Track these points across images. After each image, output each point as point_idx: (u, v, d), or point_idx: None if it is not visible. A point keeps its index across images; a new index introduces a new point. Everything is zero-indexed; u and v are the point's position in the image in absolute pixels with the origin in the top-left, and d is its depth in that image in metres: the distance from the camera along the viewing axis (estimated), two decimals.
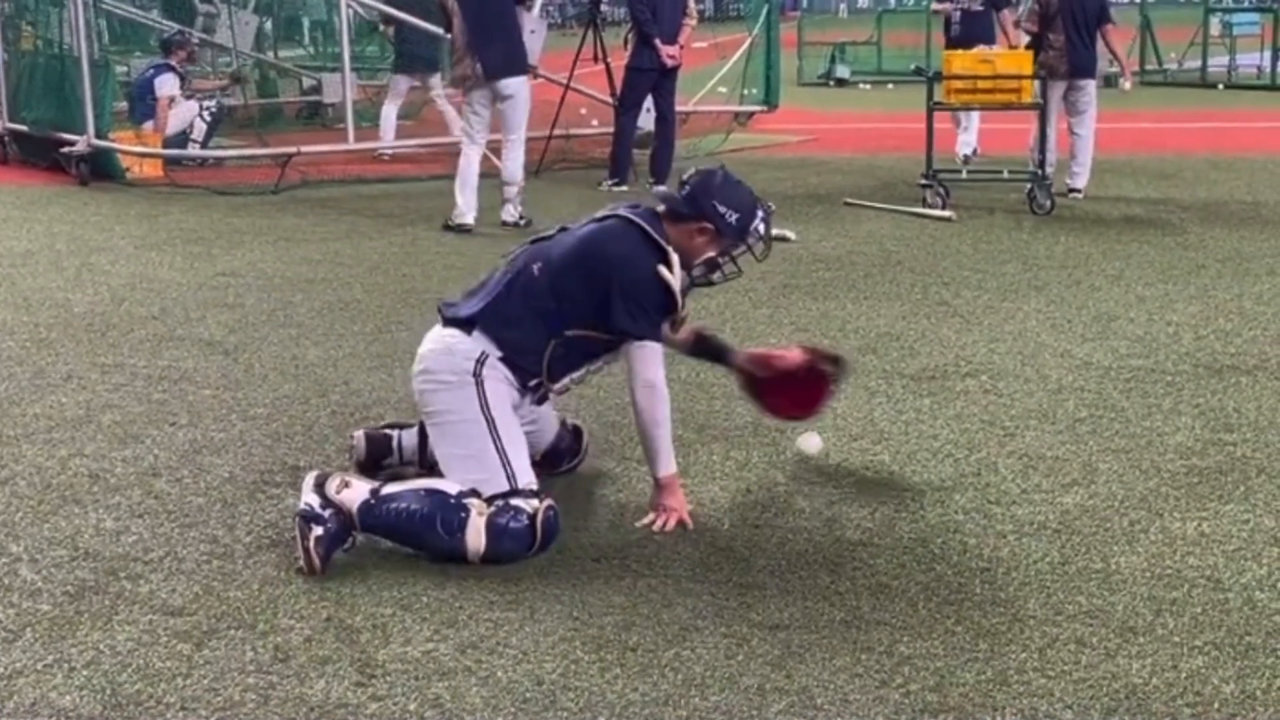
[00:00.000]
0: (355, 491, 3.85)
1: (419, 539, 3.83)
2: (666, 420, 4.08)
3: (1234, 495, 4.27)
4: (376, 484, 3.92)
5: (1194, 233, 8.63)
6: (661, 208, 4.16)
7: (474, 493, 3.85)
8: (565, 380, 4.19)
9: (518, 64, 8.90)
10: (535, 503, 3.84)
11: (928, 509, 4.19)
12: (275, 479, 4.48)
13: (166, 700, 3.12)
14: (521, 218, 8.99)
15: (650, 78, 10.51)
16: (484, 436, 3.92)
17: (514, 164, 9.00)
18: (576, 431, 4.57)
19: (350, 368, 5.77)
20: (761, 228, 4.13)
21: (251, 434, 4.94)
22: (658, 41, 10.35)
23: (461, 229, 8.88)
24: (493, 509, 3.80)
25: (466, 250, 8.34)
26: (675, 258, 4.05)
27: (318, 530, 3.74)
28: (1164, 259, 7.84)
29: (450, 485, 3.90)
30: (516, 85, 8.90)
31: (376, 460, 4.43)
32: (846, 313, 6.63)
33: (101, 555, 3.90)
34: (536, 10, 12.29)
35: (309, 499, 3.83)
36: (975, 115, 11.13)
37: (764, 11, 13.67)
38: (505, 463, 3.91)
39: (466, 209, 8.93)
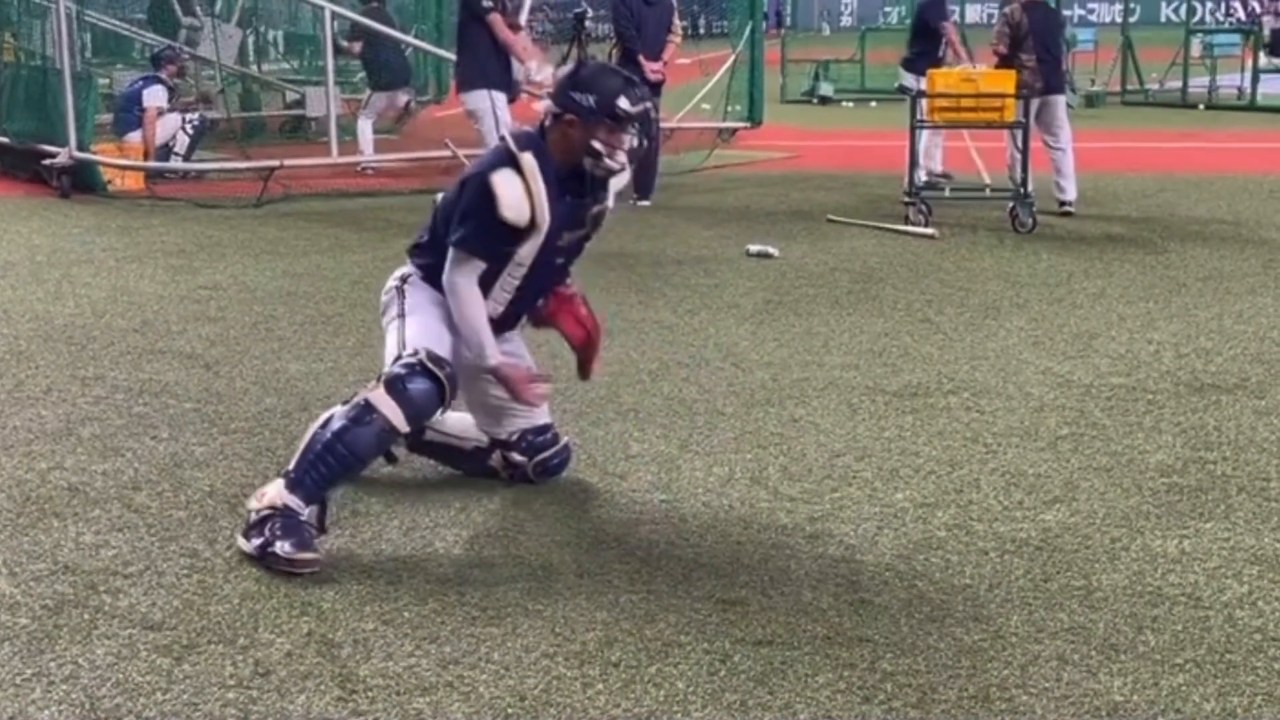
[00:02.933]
0: (272, 489, 3.94)
1: (352, 455, 3.96)
2: (474, 319, 4.18)
3: (1214, 513, 4.29)
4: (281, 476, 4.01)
5: (1175, 252, 8.68)
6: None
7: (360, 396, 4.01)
8: (493, 304, 4.27)
9: (470, 79, 8.95)
10: (418, 355, 4.03)
11: (910, 526, 4.19)
12: None
13: (146, 715, 3.10)
14: None
15: None
16: (396, 326, 4.22)
17: None
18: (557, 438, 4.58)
19: (332, 382, 5.75)
20: (624, 105, 4.12)
21: (233, 448, 4.92)
22: (641, 58, 10.37)
23: None
24: (387, 376, 4.00)
25: None
26: (528, 162, 4.09)
27: (285, 545, 3.81)
28: (1145, 278, 7.88)
29: (330, 410, 4.04)
30: (474, 100, 9.00)
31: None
32: (829, 329, 6.64)
33: (81, 569, 3.88)
34: (523, 18, 12.31)
35: (249, 544, 3.89)
36: (939, 138, 11.17)
37: (748, 29, 13.72)
38: (401, 339, 4.14)
39: None
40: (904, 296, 7.38)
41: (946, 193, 9.89)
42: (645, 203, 10.62)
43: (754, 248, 8.62)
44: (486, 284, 4.24)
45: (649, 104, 4.24)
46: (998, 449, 4.89)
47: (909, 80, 11.53)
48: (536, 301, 4.44)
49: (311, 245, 9.07)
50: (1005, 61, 9.91)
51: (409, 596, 3.69)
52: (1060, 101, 10.10)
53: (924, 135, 11.03)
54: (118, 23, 16.00)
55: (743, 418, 5.26)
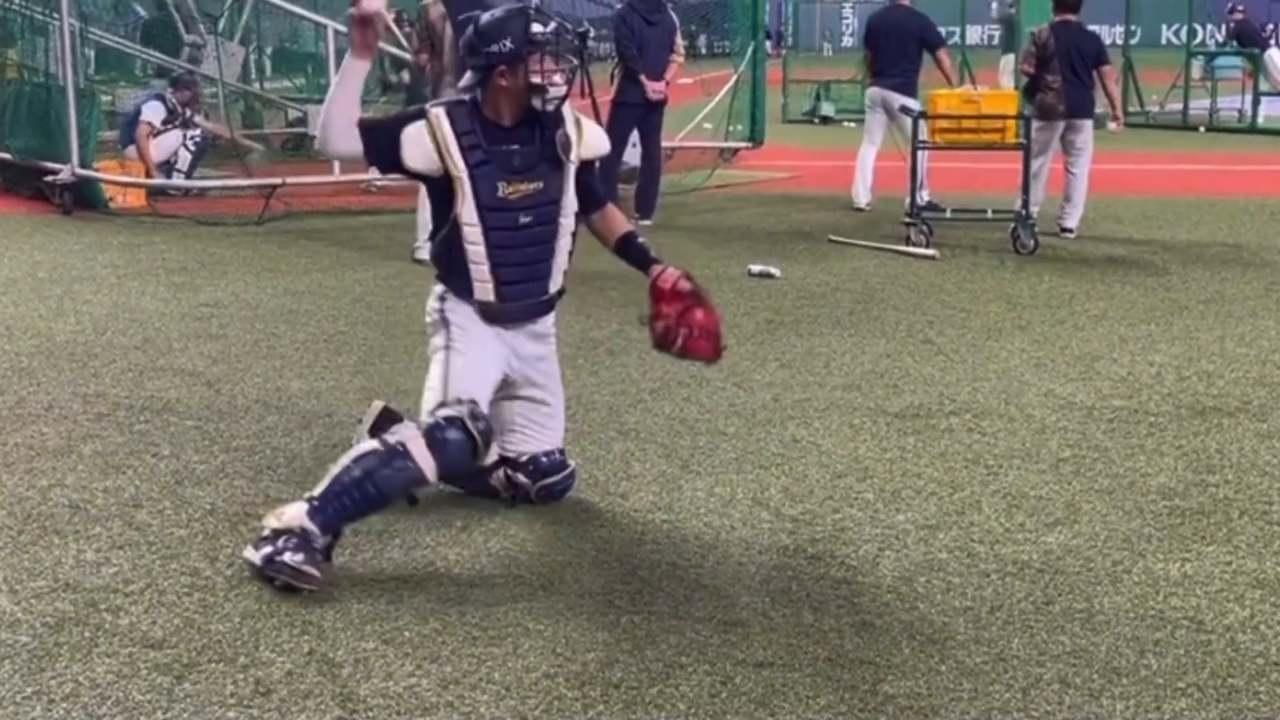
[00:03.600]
0: (292, 510, 3.91)
1: (379, 495, 3.94)
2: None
3: (1216, 537, 4.28)
4: (306, 500, 3.95)
5: (1176, 274, 8.69)
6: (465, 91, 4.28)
7: (394, 434, 4.00)
8: (479, 284, 4.28)
9: None
10: (460, 408, 4.03)
11: (911, 547, 4.19)
12: (258, 511, 4.44)
13: None
14: None
15: (635, 113, 10.55)
16: (442, 359, 4.21)
17: None
18: (563, 461, 4.56)
19: (334, 400, 5.75)
20: (538, 29, 4.17)
21: (234, 466, 4.92)
22: (643, 77, 10.39)
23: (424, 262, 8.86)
24: (426, 424, 4.00)
25: None
26: (436, 114, 4.17)
27: (294, 556, 3.80)
28: (1146, 300, 7.89)
29: (366, 444, 4.02)
30: None
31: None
32: (831, 349, 6.64)
33: (82, 587, 3.87)
34: None
35: (257, 554, 3.87)
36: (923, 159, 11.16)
37: (750, 49, 13.75)
38: (445, 378, 4.15)
39: (425, 245, 8.90)
40: (905, 317, 7.39)
41: (948, 214, 9.90)
42: (647, 222, 10.63)
43: (755, 268, 8.63)
44: (456, 259, 4.26)
45: (557, 19, 4.27)
46: (999, 471, 4.89)
47: (910, 102, 11.52)
48: (537, 271, 4.39)
49: (313, 263, 9.08)
50: (1033, 82, 9.88)
51: (410, 616, 3.69)
52: (1086, 126, 9.94)
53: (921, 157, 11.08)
54: (121, 40, 16.02)
55: (744, 438, 5.26)
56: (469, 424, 4.01)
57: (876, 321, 7.29)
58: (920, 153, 11.20)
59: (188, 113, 12.18)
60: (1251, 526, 4.37)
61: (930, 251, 9.24)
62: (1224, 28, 25.14)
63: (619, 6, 11.28)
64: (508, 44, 4.14)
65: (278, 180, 11.19)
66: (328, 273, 8.74)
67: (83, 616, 3.68)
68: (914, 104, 11.15)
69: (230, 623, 3.65)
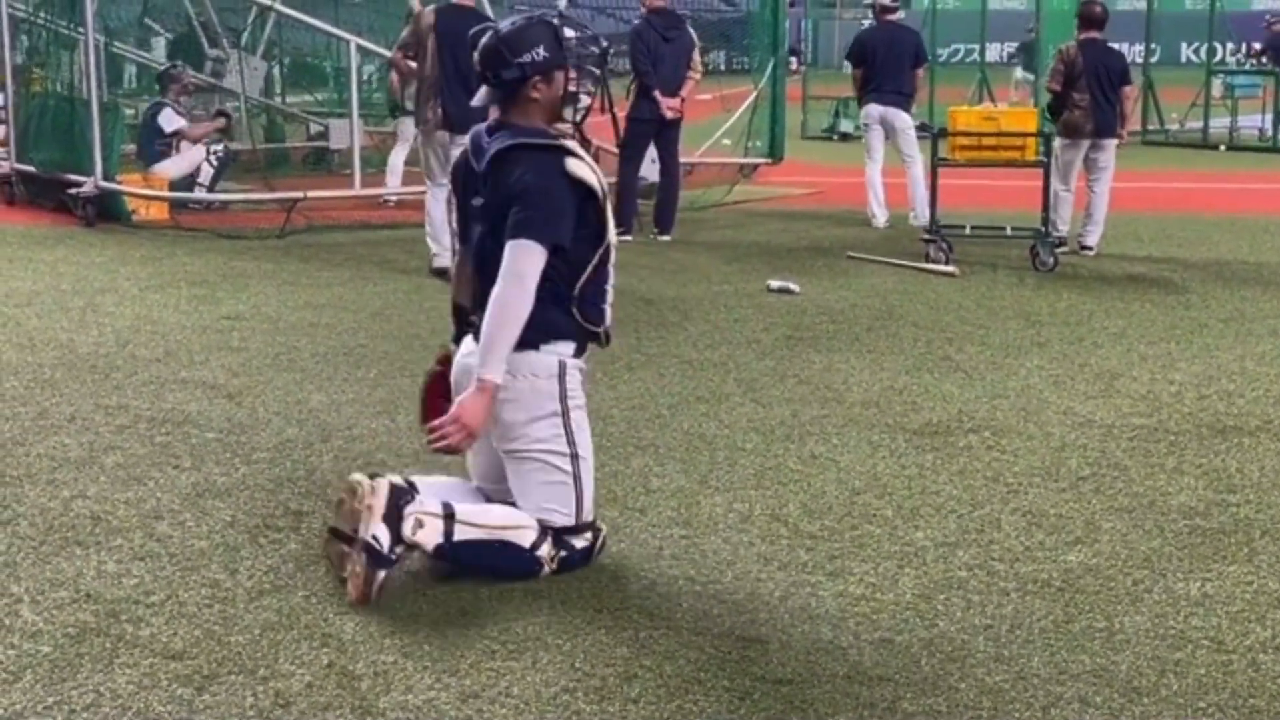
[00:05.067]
0: (429, 533, 3.85)
1: (493, 572, 3.97)
2: (520, 322, 3.85)
3: (1237, 556, 4.27)
4: (447, 518, 3.87)
5: (1196, 292, 8.66)
6: (496, 114, 4.05)
7: (544, 534, 3.97)
8: (604, 307, 4.09)
9: (467, 124, 8.83)
10: (591, 537, 4.07)
11: (931, 565, 4.18)
12: (277, 524, 4.48)
13: None
14: None
15: (650, 128, 10.57)
16: (563, 463, 4.02)
17: None
18: None
19: (354, 413, 5.77)
20: (571, 34, 4.05)
21: (254, 478, 4.94)
22: (657, 93, 10.41)
23: (442, 273, 8.89)
24: (561, 555, 3.99)
25: None
26: (572, 145, 3.97)
27: (382, 574, 3.79)
28: (1166, 318, 7.87)
29: (523, 531, 3.95)
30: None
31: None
32: (850, 366, 6.64)
33: (103, 598, 3.89)
34: None
35: (378, 532, 3.78)
36: (919, 179, 11.16)
37: (770, 65, 13.78)
38: (577, 495, 4.04)
39: (443, 251, 8.93)
40: (924, 334, 7.38)
41: (967, 231, 9.89)
42: (666, 237, 10.65)
43: (775, 283, 8.63)
44: (591, 293, 4.02)
45: (578, 25, 4.17)
46: (1019, 489, 4.88)
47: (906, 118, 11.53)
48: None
49: (334, 277, 9.12)
50: (1059, 100, 9.86)
51: (429, 629, 3.70)
52: (1111, 145, 9.91)
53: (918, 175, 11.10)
54: (143, 55, 16.14)
55: (763, 454, 5.26)
56: (595, 553, 4.10)
57: (895, 338, 7.29)
58: (918, 170, 11.24)
59: (181, 101, 12.36)
60: (1273, 546, 4.35)
61: (950, 268, 9.23)
62: (1245, 46, 25.08)
63: (636, 22, 11.31)
64: (541, 52, 3.96)
65: (299, 194, 11.24)
66: (348, 286, 8.77)
67: (104, 627, 3.70)
68: (909, 120, 11.21)
69: (250, 635, 3.66)
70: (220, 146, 12.36)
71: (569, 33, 4.05)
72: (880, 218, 11.33)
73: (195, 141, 12.11)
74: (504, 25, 4.12)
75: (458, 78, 8.71)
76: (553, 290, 3.92)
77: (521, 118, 4.00)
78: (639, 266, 9.42)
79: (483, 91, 4.07)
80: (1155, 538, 4.41)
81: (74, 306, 7.99)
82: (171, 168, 11.97)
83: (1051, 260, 9.32)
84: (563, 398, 3.99)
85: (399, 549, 3.83)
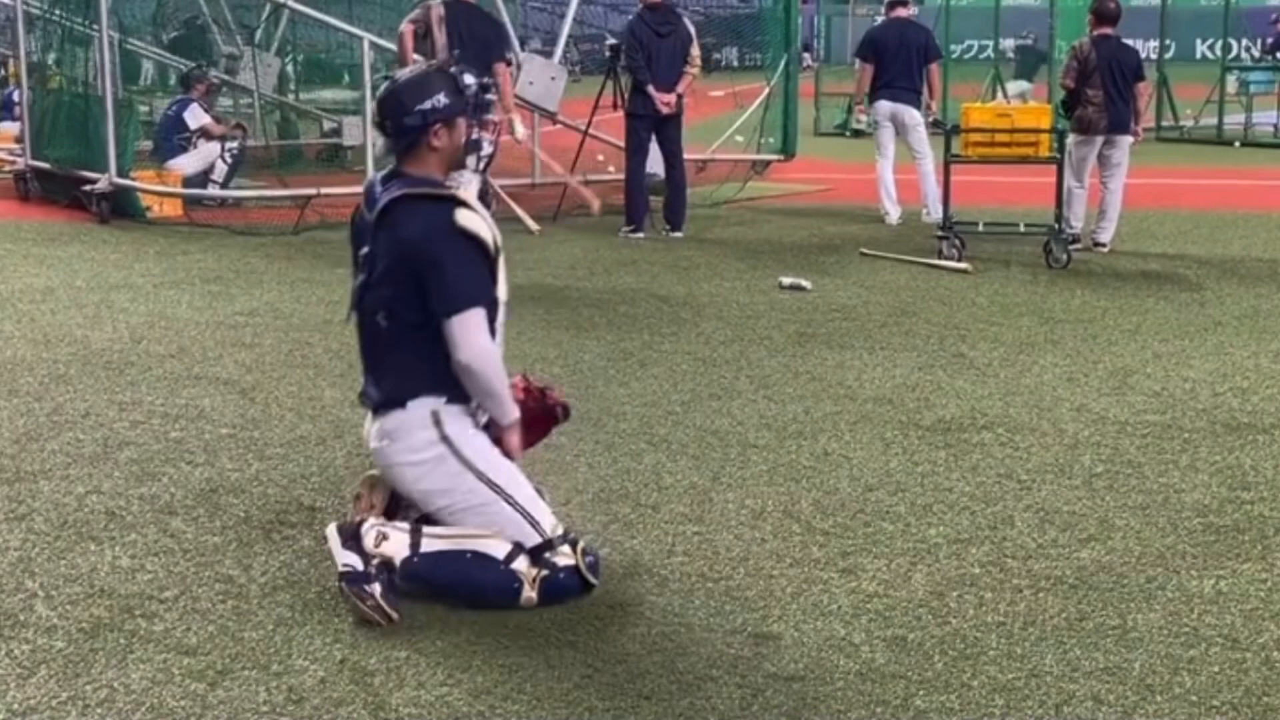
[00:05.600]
0: (394, 544, 3.77)
1: (469, 599, 3.80)
2: (502, 379, 3.84)
3: (1251, 554, 4.25)
4: (413, 531, 3.81)
5: (1210, 289, 8.63)
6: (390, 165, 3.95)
7: (518, 548, 3.80)
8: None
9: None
10: (570, 550, 3.85)
11: (944, 561, 4.18)
12: (291, 519, 4.49)
13: None
14: None
15: (648, 124, 10.57)
16: (489, 496, 3.83)
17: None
18: None
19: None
20: (469, 81, 3.96)
21: (268, 474, 4.95)
22: (651, 88, 10.41)
23: None
24: (542, 574, 3.79)
25: None
26: (462, 196, 3.86)
27: (376, 586, 3.69)
28: (1180, 315, 7.84)
29: (494, 542, 3.80)
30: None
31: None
32: (862, 363, 6.63)
33: (117, 593, 3.91)
34: (557, 57, 12.39)
35: (347, 559, 3.73)
36: (930, 175, 11.13)
37: (782, 62, 13.76)
38: (524, 514, 3.85)
39: None
40: (937, 331, 7.37)
41: (980, 227, 9.87)
42: (678, 234, 10.65)
43: (787, 280, 8.63)
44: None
45: (474, 75, 4.10)
46: (1032, 485, 4.87)
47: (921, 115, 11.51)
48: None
49: (347, 273, 9.09)
50: (1072, 96, 9.83)
51: (441, 626, 3.70)
52: (1124, 142, 9.87)
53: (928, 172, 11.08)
54: (160, 52, 16.17)
55: (775, 450, 5.26)
56: (583, 570, 3.84)
57: (908, 335, 7.28)
58: (929, 167, 11.21)
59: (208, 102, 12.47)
60: None
61: (962, 265, 9.21)
62: (1260, 42, 24.99)
63: (630, 18, 11.32)
64: (442, 99, 3.83)
65: (313, 191, 11.26)
66: None
67: (118, 623, 3.71)
68: (919, 117, 11.19)
69: (264, 630, 3.67)
70: (235, 144, 12.41)
71: (468, 80, 3.97)
72: (893, 214, 11.32)
73: (218, 137, 12.17)
74: (401, 74, 4.05)
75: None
76: (429, 346, 3.78)
77: (418, 167, 3.87)
78: (651, 264, 9.43)
79: (381, 142, 3.97)
80: (1169, 535, 4.40)
81: (88, 303, 8.02)
82: (186, 164, 12.02)
83: (1065, 257, 9.30)
84: (445, 440, 3.81)
85: (374, 564, 3.73)
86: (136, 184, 11.36)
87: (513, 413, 3.91)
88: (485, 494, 3.84)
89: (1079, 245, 9.73)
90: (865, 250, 9.89)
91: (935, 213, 10.53)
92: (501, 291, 3.90)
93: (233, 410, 5.77)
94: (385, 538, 3.77)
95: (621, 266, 9.31)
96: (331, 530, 3.84)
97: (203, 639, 3.62)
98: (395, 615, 3.69)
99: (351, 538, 3.78)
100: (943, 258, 9.36)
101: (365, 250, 3.96)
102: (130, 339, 7.10)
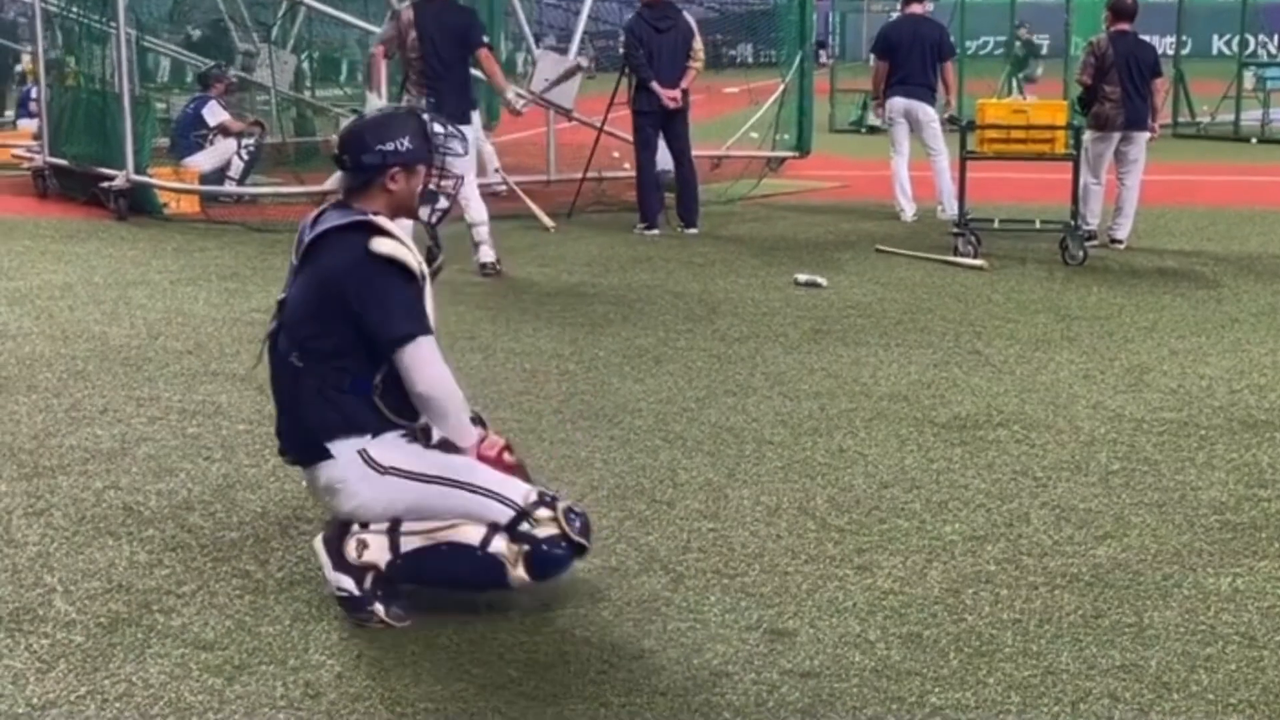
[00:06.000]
0: (375, 551, 3.70)
1: (458, 589, 3.79)
2: (460, 402, 3.76)
3: (1269, 552, 4.24)
4: (390, 533, 3.72)
5: (1228, 286, 8.60)
6: (340, 196, 3.85)
7: (494, 528, 3.67)
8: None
9: (465, 113, 8.85)
10: (550, 513, 3.69)
11: (959, 558, 4.18)
12: (307, 515, 4.50)
13: None
14: (498, 262, 8.86)
15: (654, 120, 10.57)
16: (447, 491, 3.70)
17: (475, 204, 8.88)
18: None
19: None
20: (438, 129, 3.82)
21: (284, 469, 4.93)
22: (654, 85, 10.42)
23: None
24: (524, 549, 3.68)
25: (497, 291, 8.38)
26: (382, 222, 3.71)
27: (377, 607, 3.67)
28: (1197, 312, 7.82)
29: (465, 529, 3.68)
30: (473, 130, 9.00)
31: None
32: (878, 359, 6.63)
33: (135, 588, 3.93)
34: (572, 54, 12.40)
35: (340, 582, 3.69)
36: (945, 172, 11.09)
37: (797, 59, 13.75)
38: (486, 494, 3.70)
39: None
40: (953, 328, 7.36)
41: (996, 224, 9.84)
42: (692, 231, 10.64)
43: (802, 277, 8.62)
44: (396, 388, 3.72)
45: (443, 123, 3.89)
46: (1048, 483, 4.86)
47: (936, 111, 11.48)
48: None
49: None
50: (1090, 92, 9.79)
51: (457, 621, 3.71)
52: (1141, 138, 9.82)
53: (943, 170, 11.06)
54: (177, 49, 16.22)
55: (790, 447, 5.26)
56: (571, 535, 3.68)
57: (923, 332, 7.27)
58: (943, 163, 11.18)
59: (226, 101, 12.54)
60: None
61: (978, 262, 9.19)
62: (1277, 38, 24.88)
63: (630, 17, 11.34)
64: (406, 143, 3.73)
65: (330, 187, 11.27)
66: None
67: (136, 617, 3.73)
68: (934, 113, 11.17)
69: (281, 625, 3.69)
70: (252, 140, 12.45)
71: (437, 129, 3.83)
72: (908, 211, 11.30)
73: (235, 135, 12.22)
74: (370, 111, 3.92)
75: (443, 70, 8.78)
76: (349, 381, 3.68)
77: (366, 204, 3.77)
78: (666, 260, 9.43)
79: (337, 175, 3.84)
80: (1185, 533, 4.39)
81: (106, 299, 8.05)
82: (203, 160, 12.07)
83: (1081, 254, 9.27)
84: (383, 471, 3.68)
85: (368, 582, 3.69)
86: (154, 181, 11.40)
87: (470, 437, 3.80)
88: (443, 491, 3.70)
89: (1095, 242, 9.70)
90: (881, 247, 9.87)
91: (951, 209, 10.50)
92: (428, 320, 3.78)
93: (249, 406, 5.79)
94: (365, 545, 3.70)
95: (637, 263, 9.31)
96: (319, 546, 3.78)
97: (220, 634, 3.64)
98: (405, 623, 3.67)
99: (338, 553, 3.71)
100: (958, 254, 9.34)
101: (281, 296, 3.88)
102: (148, 335, 7.13)
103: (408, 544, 3.71)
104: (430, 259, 3.95)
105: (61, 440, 5.32)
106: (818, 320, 7.52)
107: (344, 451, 3.69)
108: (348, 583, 3.70)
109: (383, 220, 3.73)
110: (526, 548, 3.68)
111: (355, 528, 3.75)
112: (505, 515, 3.69)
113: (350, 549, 3.71)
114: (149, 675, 3.40)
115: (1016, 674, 3.43)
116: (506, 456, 3.91)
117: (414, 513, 3.72)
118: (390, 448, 3.72)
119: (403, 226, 3.84)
